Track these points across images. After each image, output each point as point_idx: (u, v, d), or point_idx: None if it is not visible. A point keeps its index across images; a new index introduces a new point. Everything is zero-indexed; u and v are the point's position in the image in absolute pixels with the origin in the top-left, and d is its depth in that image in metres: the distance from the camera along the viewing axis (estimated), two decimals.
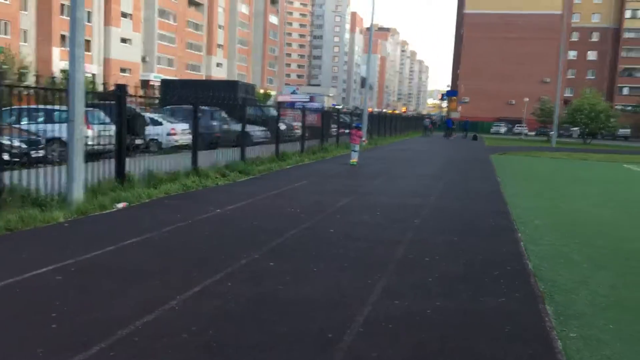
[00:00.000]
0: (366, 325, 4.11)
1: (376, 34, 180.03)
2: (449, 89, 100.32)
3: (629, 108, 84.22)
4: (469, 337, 4.02)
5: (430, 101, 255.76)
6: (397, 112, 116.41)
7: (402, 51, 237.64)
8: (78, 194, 8.02)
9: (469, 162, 22.14)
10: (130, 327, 3.85)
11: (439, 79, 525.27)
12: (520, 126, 69.90)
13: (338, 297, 4.74)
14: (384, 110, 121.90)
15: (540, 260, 6.42)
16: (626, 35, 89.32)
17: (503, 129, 74.95)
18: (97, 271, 5.16)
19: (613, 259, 6.70)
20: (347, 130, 27.53)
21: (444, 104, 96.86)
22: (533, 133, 70.34)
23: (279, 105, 22.16)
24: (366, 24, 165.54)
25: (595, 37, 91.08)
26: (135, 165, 10.20)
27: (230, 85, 28.67)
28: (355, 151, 17.59)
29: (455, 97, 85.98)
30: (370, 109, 62.68)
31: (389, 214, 8.95)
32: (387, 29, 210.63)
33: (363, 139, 17.60)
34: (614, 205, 11.74)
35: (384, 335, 3.95)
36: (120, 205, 8.31)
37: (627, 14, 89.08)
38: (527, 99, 66.90)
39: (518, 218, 9.15)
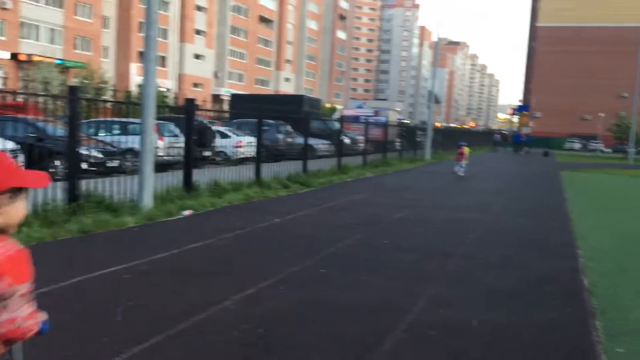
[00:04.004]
0: (409, 331, 4.24)
1: (445, 48, 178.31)
2: (520, 103, 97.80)
3: None
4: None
5: (500, 116, 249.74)
6: (465, 126, 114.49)
7: (472, 65, 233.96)
8: (148, 201, 8.54)
9: (536, 178, 21.61)
10: (186, 322, 4.15)
11: (510, 93, 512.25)
12: (595, 142, 67.28)
13: (384, 304, 4.89)
14: (452, 125, 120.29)
15: (597, 276, 6.31)
16: None
17: (577, 145, 72.27)
18: (162, 272, 5.54)
19: None
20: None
21: (515, 118, 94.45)
22: (610, 150, 67.52)
23: (342, 119, 22.43)
24: (435, 37, 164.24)
25: None
26: (202, 176, 10.71)
27: (295, 100, 29.33)
28: (460, 166, 19.52)
29: (526, 112, 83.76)
30: (438, 124, 62.09)
31: (445, 228, 8.98)
32: (457, 43, 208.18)
33: (466, 155, 19.70)
34: None
35: (425, 341, 4.07)
36: (186, 212, 8.76)
37: None
38: (602, 114, 64.34)
39: (580, 235, 8.96)
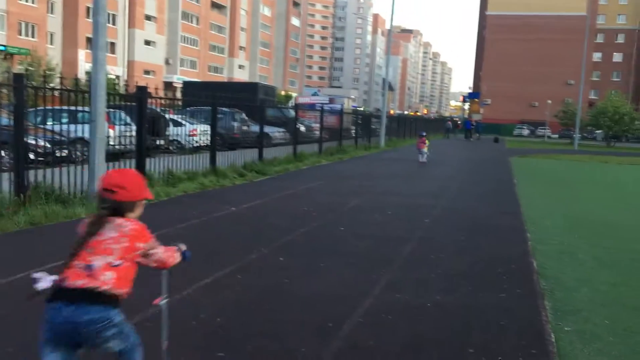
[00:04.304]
0: (366, 316, 4.30)
1: (398, 36, 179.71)
2: (471, 90, 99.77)
3: None
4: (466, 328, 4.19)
5: (453, 103, 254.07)
6: (418, 113, 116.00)
7: (425, 53, 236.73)
8: None
9: (486, 164, 22.14)
10: (143, 313, 4.09)
11: (463, 80, 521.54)
12: (543, 129, 69.30)
13: (341, 290, 4.94)
14: (406, 112, 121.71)
15: (546, 259, 6.54)
16: None
17: (526, 132, 74.30)
18: None
19: (619, 259, 6.78)
20: None
21: (466, 106, 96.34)
22: (556, 136, 69.68)
23: (298, 107, 22.40)
24: (388, 25, 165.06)
25: (620, 39, 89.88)
26: (155, 165, 10.52)
27: (250, 87, 29.07)
28: (422, 154, 20.26)
29: (477, 99, 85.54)
30: (392, 111, 62.79)
31: (400, 214, 9.12)
32: (410, 31, 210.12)
33: (427, 144, 20.69)
34: (627, 207, 11.73)
35: (382, 326, 4.13)
36: None
37: None
38: (550, 101, 66.28)
39: (529, 218, 9.25)
